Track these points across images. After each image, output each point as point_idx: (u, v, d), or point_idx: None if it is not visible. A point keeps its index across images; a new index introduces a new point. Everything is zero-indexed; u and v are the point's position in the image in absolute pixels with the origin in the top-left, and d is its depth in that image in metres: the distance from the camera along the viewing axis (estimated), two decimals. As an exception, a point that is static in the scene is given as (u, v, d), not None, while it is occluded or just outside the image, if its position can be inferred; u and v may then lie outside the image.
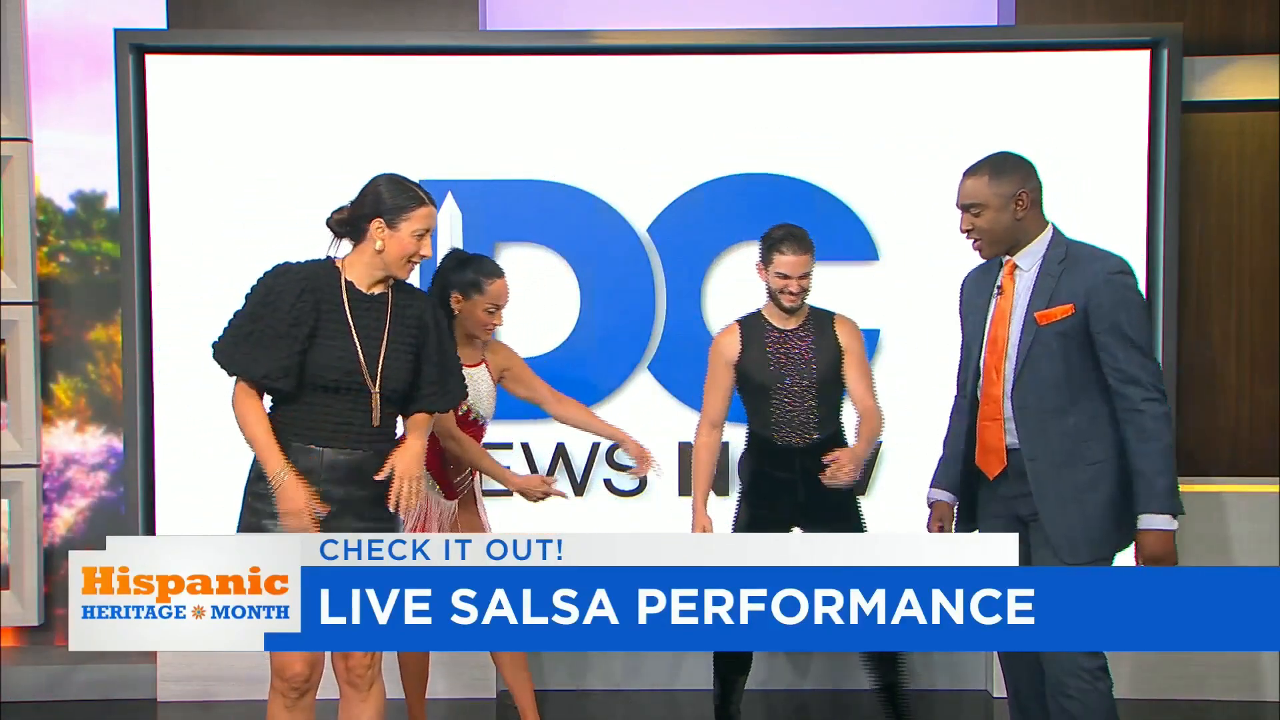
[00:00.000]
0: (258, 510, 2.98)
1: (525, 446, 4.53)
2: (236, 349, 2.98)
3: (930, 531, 3.25)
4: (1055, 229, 3.09)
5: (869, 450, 3.73)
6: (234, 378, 3.00)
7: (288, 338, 2.95)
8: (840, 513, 3.73)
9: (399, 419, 3.16)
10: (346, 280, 3.06)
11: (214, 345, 3.02)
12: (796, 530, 3.75)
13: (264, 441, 2.96)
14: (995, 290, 3.11)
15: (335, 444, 3.00)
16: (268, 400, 3.06)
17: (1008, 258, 3.09)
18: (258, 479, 3.00)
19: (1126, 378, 2.93)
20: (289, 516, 2.90)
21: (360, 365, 3.00)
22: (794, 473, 3.76)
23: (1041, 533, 2.99)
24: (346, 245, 3.11)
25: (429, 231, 3.09)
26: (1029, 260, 3.06)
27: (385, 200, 3.06)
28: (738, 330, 3.83)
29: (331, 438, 2.99)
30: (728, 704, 3.90)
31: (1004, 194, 3.03)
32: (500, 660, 3.88)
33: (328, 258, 3.11)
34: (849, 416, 3.83)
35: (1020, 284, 3.07)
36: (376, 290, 3.09)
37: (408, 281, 3.17)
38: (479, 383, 3.70)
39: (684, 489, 4.57)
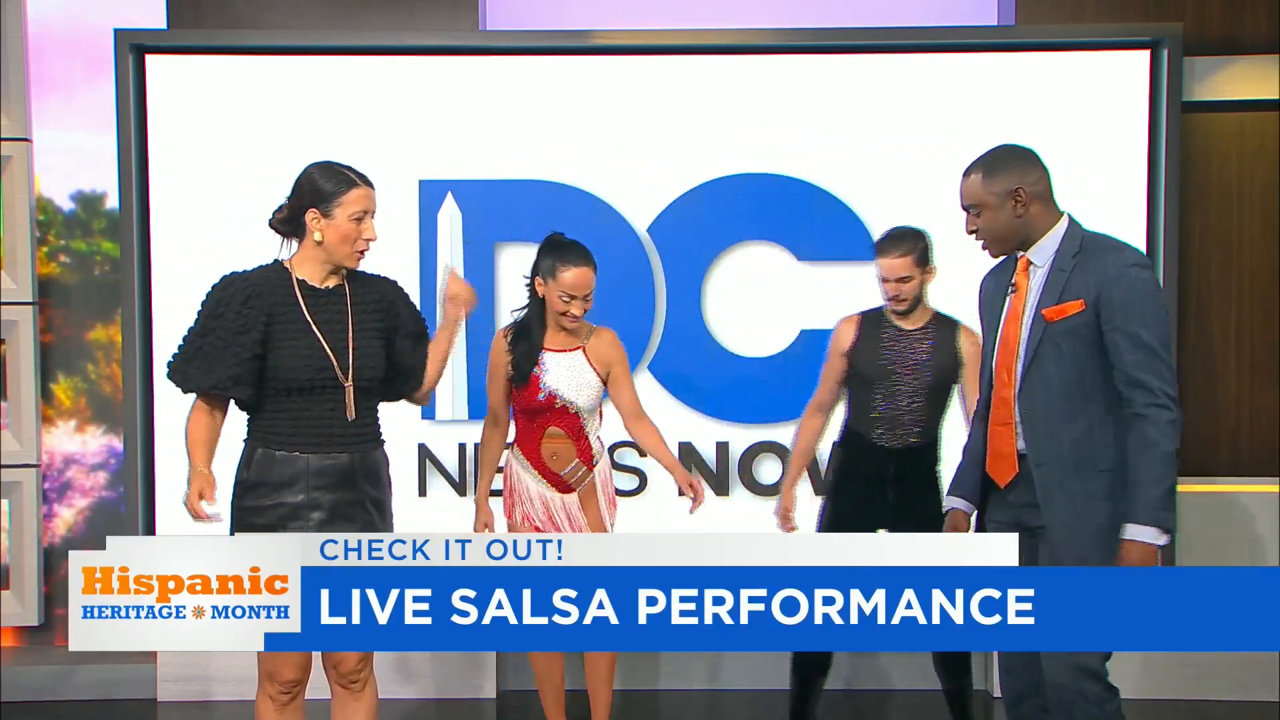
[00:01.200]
0: (244, 524, 2.98)
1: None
2: (188, 365, 2.97)
3: None
4: (1071, 220, 2.94)
5: None
6: (189, 394, 2.99)
7: (234, 345, 2.92)
8: (928, 522, 3.59)
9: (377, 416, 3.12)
10: (299, 279, 3.00)
11: (168, 365, 3.00)
12: (882, 532, 3.64)
13: (192, 448, 2.98)
14: (1010, 288, 2.99)
15: (318, 449, 2.97)
16: (244, 416, 3.04)
17: (1021, 254, 2.96)
18: (243, 493, 3.00)
19: (1132, 381, 2.76)
20: (186, 501, 2.96)
21: (330, 360, 2.96)
22: (886, 474, 3.71)
23: (1049, 545, 2.85)
24: (296, 245, 3.06)
25: (368, 214, 3.00)
26: (1043, 255, 2.92)
27: (316, 188, 2.99)
28: (858, 321, 3.80)
29: (313, 442, 2.96)
30: (805, 704, 3.84)
31: (999, 192, 2.90)
32: (587, 666, 3.83)
33: (275, 261, 3.05)
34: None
35: (1034, 280, 2.93)
36: (332, 284, 3.04)
37: (363, 271, 3.11)
38: (570, 369, 3.65)
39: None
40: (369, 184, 3.03)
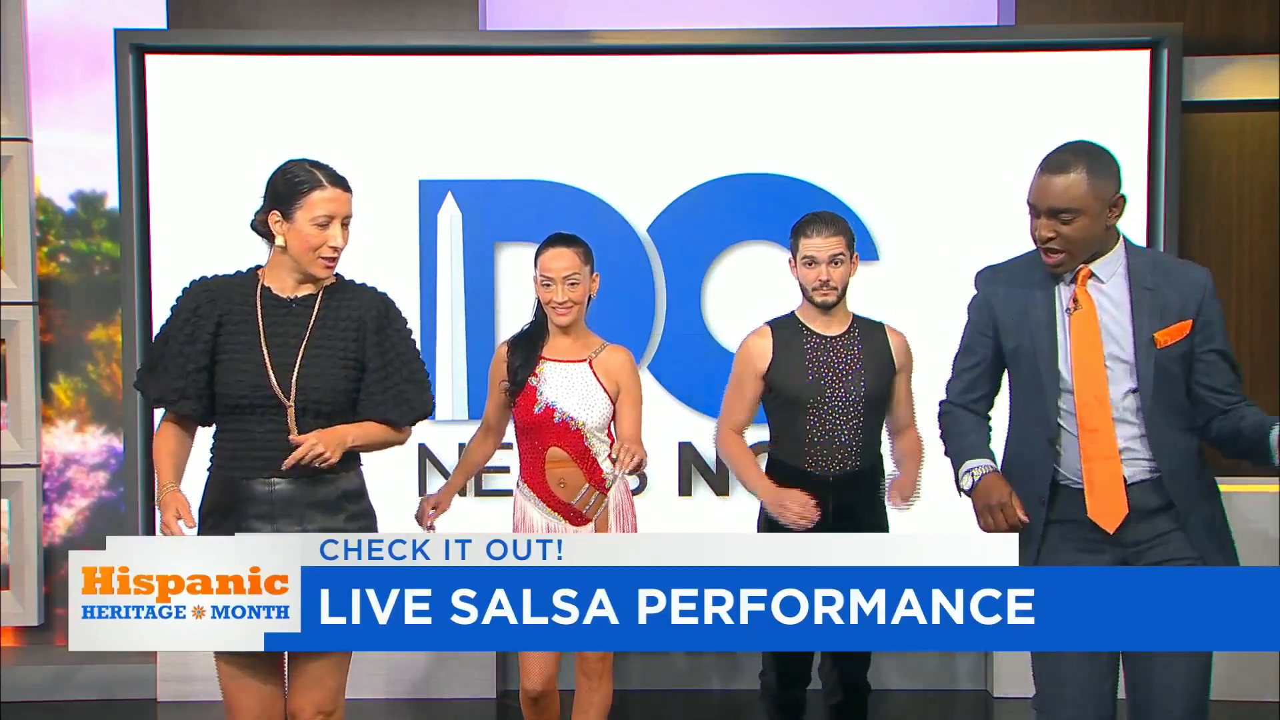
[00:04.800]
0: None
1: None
2: (148, 374, 2.79)
3: (997, 521, 2.62)
4: (1120, 231, 2.64)
5: (918, 478, 3.30)
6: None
7: (180, 357, 2.73)
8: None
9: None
10: (264, 287, 2.77)
11: (136, 373, 2.86)
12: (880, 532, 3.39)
13: (158, 463, 2.76)
14: (1068, 305, 2.62)
15: (259, 474, 2.72)
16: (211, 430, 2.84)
17: (1083, 265, 2.61)
18: (200, 520, 2.80)
19: (1237, 398, 2.66)
20: (162, 527, 2.69)
21: (269, 377, 2.70)
22: (825, 510, 3.19)
23: None
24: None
25: (335, 219, 2.69)
26: (1108, 270, 2.60)
27: (280, 189, 2.71)
28: (769, 334, 3.33)
29: (254, 466, 2.72)
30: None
31: (1105, 197, 2.53)
32: (577, 687, 3.49)
33: (253, 266, 2.84)
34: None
35: (1101, 298, 2.61)
36: (301, 293, 2.77)
37: (351, 281, 2.85)
38: (572, 382, 3.33)
39: (684, 489, 4.57)
40: (340, 185, 2.74)
